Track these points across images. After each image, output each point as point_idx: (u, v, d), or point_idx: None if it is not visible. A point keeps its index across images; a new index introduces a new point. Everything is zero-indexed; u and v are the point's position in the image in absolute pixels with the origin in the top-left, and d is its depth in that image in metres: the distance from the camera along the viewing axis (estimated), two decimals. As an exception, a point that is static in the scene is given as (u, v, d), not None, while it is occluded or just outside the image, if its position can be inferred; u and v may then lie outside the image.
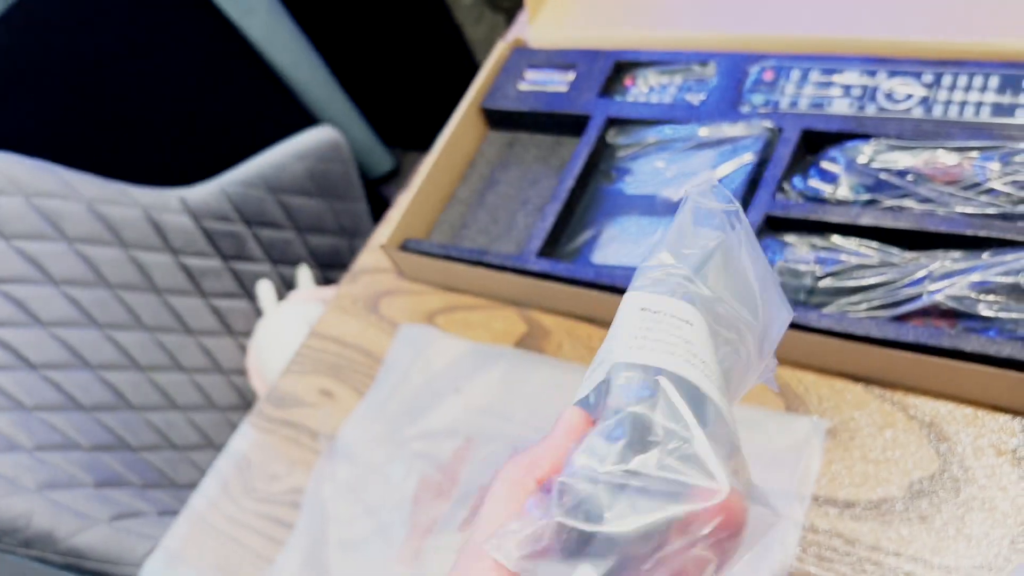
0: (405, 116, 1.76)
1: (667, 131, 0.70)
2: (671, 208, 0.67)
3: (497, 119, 0.81)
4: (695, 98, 0.72)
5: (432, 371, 0.69)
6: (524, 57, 0.82)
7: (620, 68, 0.77)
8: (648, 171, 0.70)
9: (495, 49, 0.83)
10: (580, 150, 0.72)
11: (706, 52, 0.73)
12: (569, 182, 0.70)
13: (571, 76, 0.78)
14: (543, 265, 0.66)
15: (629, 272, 0.63)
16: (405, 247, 0.74)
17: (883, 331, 0.53)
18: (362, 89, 1.71)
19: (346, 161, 1.06)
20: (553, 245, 0.69)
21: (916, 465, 0.53)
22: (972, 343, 0.51)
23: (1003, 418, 0.52)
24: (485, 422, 0.65)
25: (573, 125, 0.76)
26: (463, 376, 0.68)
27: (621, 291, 0.63)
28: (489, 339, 0.70)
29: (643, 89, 0.75)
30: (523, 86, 0.80)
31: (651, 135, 0.71)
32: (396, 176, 1.90)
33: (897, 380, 0.56)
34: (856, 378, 0.57)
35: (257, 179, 1.04)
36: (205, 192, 1.03)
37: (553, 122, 0.77)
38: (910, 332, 0.52)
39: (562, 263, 0.66)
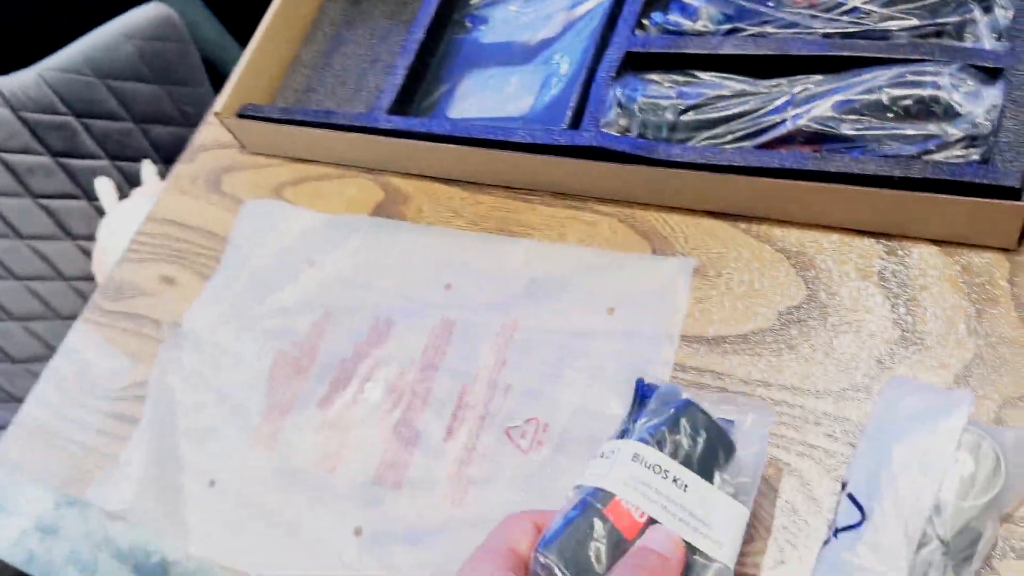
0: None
1: (520, -31, 0.65)
2: (527, 54, 0.62)
3: None
4: (550, -64, 0.67)
5: (282, 246, 0.64)
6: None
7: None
8: (503, 18, 0.65)
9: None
10: (427, 2, 0.66)
11: None
12: (419, 34, 0.65)
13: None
14: (395, 122, 0.61)
15: (488, 124, 0.59)
16: (243, 114, 0.67)
17: (746, 159, 0.51)
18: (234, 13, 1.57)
19: (182, 39, 0.96)
20: (406, 102, 0.64)
21: (784, 296, 0.51)
22: (836, 163, 0.49)
23: (868, 241, 0.51)
24: (344, 293, 0.60)
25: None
26: (316, 249, 0.63)
27: (480, 143, 0.59)
28: (343, 209, 0.65)
29: (494, -70, 0.69)
30: None
31: (505, -26, 0.66)
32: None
33: (763, 212, 0.54)
34: (722, 215, 0.55)
35: (82, 63, 0.93)
36: (22, 80, 0.91)
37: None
38: (774, 158, 0.50)
39: (415, 119, 0.61)
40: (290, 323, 0.60)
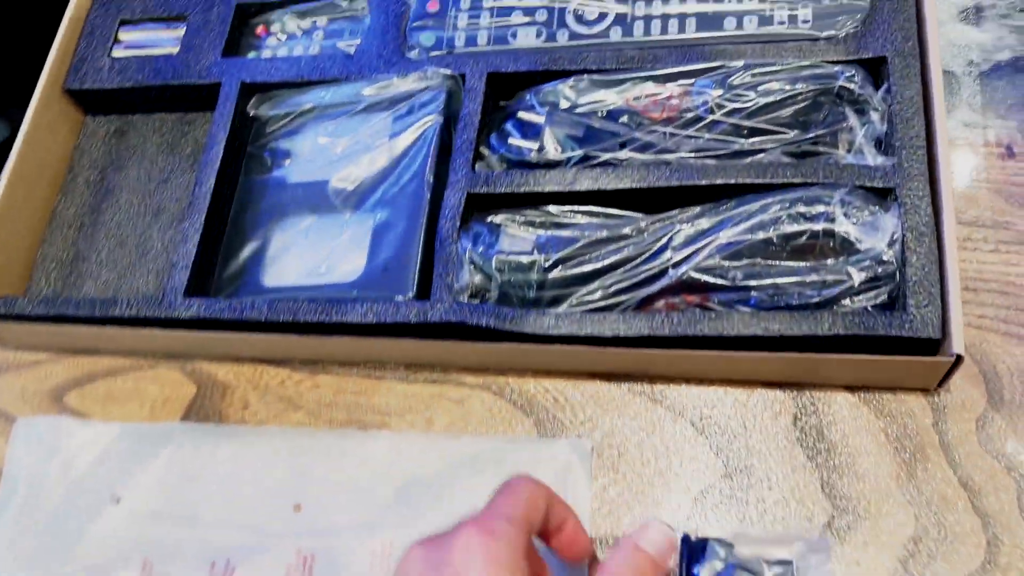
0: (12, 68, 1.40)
1: (324, 95, 0.54)
2: (348, 198, 0.52)
3: (93, 101, 0.60)
4: (349, 45, 0.56)
5: (75, 475, 0.51)
6: (111, 11, 0.60)
7: (245, 13, 0.59)
8: (311, 149, 0.54)
9: (71, 3, 0.61)
10: (215, 133, 0.54)
11: (350, -19, 0.57)
12: (209, 181, 0.53)
13: (181, 31, 0.59)
14: (197, 307, 0.49)
15: (315, 296, 0.48)
16: (-6, 313, 0.53)
17: (633, 327, 0.43)
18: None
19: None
20: (205, 273, 0.52)
21: (696, 472, 0.45)
22: (735, 324, 0.42)
23: (777, 394, 0.45)
24: (165, 533, 0.48)
25: (199, 98, 0.57)
26: (119, 476, 0.50)
27: (310, 328, 0.49)
28: (146, 415, 0.52)
29: (281, 38, 0.58)
30: (119, 52, 0.60)
31: (305, 101, 0.55)
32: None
33: (657, 373, 0.47)
34: (611, 376, 0.48)
35: None
36: None
37: (171, 97, 0.58)
38: (664, 324, 0.43)
39: (222, 300, 0.49)
40: (102, 586, 0.47)
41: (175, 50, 0.58)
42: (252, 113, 0.56)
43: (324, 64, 0.55)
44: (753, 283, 0.43)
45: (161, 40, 0.59)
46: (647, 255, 0.45)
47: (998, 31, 0.51)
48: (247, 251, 0.53)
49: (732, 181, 0.45)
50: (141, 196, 0.58)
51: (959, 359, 0.39)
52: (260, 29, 0.58)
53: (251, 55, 0.57)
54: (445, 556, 0.33)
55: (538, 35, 0.52)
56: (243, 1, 0.58)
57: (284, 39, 0.58)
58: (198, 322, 0.49)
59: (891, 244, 0.42)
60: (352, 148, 0.53)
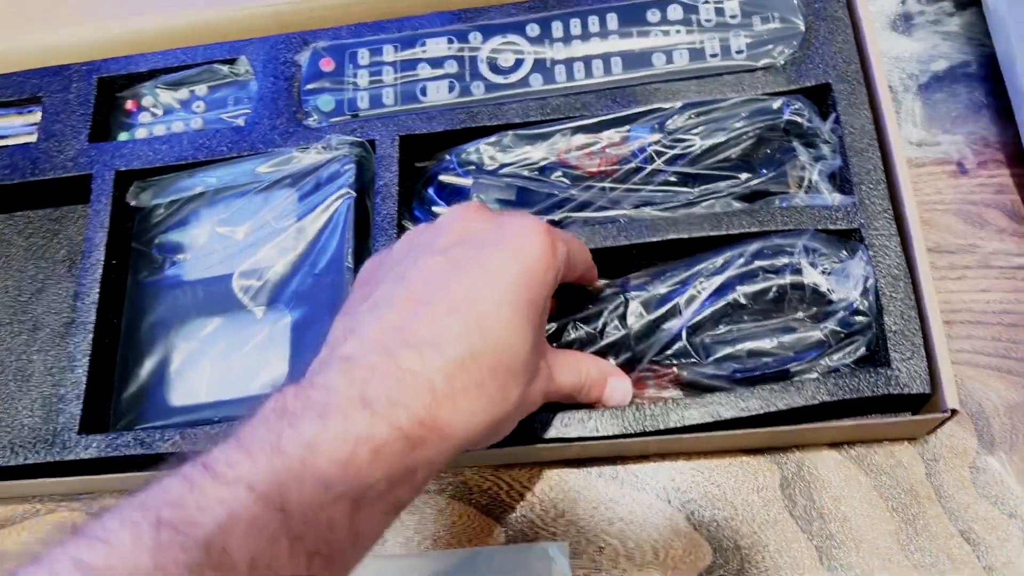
0: None
1: (214, 176, 0.48)
2: (259, 295, 0.46)
3: (-61, 208, 0.52)
4: (236, 115, 0.50)
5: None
6: (-51, 98, 0.52)
7: (110, 88, 0.51)
8: (207, 241, 0.48)
9: (-102, 90, 0.52)
10: (92, 232, 0.47)
11: (226, 43, 0.51)
12: (92, 290, 0.46)
13: (37, 116, 0.51)
14: (96, 448, 0.42)
15: (235, 413, 0.42)
16: None
17: (600, 427, 0.39)
18: None
19: None
20: (101, 404, 0.45)
21: (689, 558, 0.41)
22: (710, 410, 0.38)
23: (761, 461, 0.42)
24: None
25: (68, 191, 0.50)
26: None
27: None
28: (53, 569, 0.45)
29: (156, 113, 0.51)
30: (-37, 146, 0.51)
31: (193, 185, 0.48)
32: None
33: (631, 454, 0.43)
34: (578, 463, 0.43)
35: None
36: None
37: (34, 193, 0.51)
38: (633, 421, 0.39)
39: (125, 434, 0.42)
40: None
41: (32, 138, 0.50)
42: (133, 204, 0.49)
43: (210, 140, 0.48)
44: (725, 352, 0.40)
45: (14, 128, 0.51)
46: (606, 342, 0.41)
47: (930, 39, 0.49)
48: (147, 368, 0.46)
49: (686, 236, 0.41)
50: (12, 311, 0.50)
51: (953, 413, 0.37)
52: (130, 104, 0.51)
53: (123, 136, 0.50)
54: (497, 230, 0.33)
55: (451, 89, 0.47)
56: (105, 75, 0.51)
57: (160, 114, 0.51)
58: (98, 464, 0.43)
59: (864, 293, 0.39)
60: (256, 235, 0.47)
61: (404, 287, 0.31)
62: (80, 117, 0.50)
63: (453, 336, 0.29)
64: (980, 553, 0.39)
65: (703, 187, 0.43)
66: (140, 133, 0.50)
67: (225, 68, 0.50)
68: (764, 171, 0.43)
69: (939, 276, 0.44)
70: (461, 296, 0.30)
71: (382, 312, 0.30)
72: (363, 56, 0.48)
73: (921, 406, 0.39)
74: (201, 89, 0.51)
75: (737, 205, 0.43)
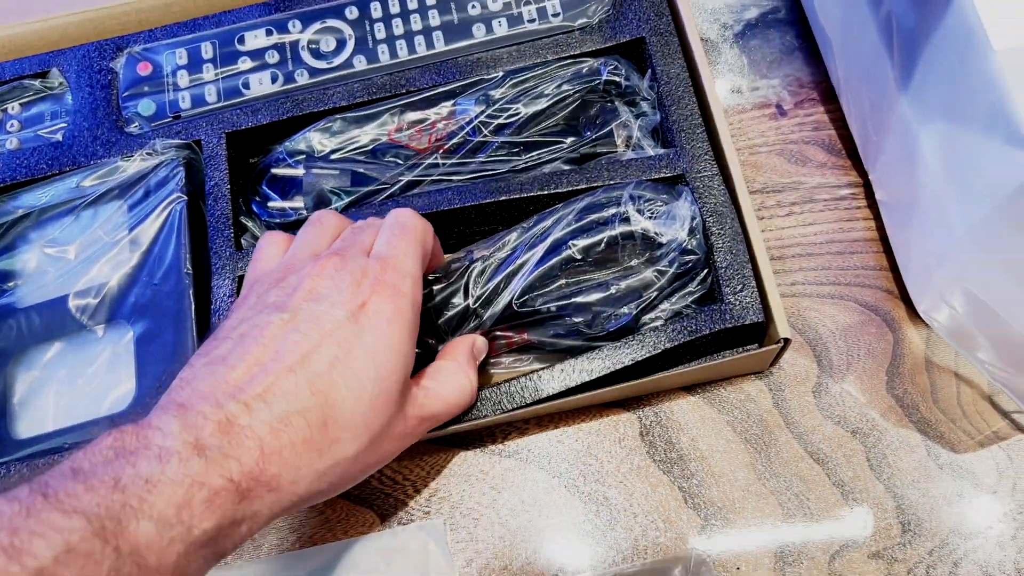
0: None
1: (37, 196, 0.46)
2: (96, 313, 0.44)
3: None
4: (54, 130, 0.48)
5: None
6: None
7: (-86, 115, 0.49)
8: (38, 264, 0.46)
9: None
10: (-90, 268, 0.44)
11: (36, 55, 0.49)
12: (-85, 329, 0.43)
13: None
14: (-67, 491, 0.40)
15: (85, 439, 0.41)
16: None
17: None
18: None
19: None
20: (-63, 442, 0.43)
21: (558, 517, 0.41)
22: (556, 380, 0.39)
23: (622, 416, 0.43)
24: None
25: None
26: None
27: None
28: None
29: (-32, 137, 0.48)
30: None
31: (15, 207, 0.46)
32: None
33: (490, 427, 0.43)
34: (444, 441, 0.43)
35: None
36: None
37: None
38: (487, 404, 0.39)
39: (-35, 473, 0.40)
40: None
41: None
42: (-46, 233, 0.46)
43: (28, 159, 0.46)
44: (567, 307, 0.40)
45: None
46: (449, 296, 0.41)
47: (740, -12, 0.50)
48: (-14, 401, 0.44)
49: (518, 196, 0.42)
50: None
51: (787, 343, 0.38)
52: (-61, 130, 0.48)
53: (-66, 164, 0.48)
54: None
55: (274, 79, 0.46)
56: (-92, 101, 0.48)
57: (-27, 138, 0.48)
58: None
59: (691, 232, 0.40)
60: (88, 252, 0.45)
61: (243, 347, 0.31)
62: None
63: (282, 393, 0.30)
64: (829, 471, 0.41)
65: (531, 154, 0.43)
66: (-47, 159, 0.48)
67: (37, 82, 0.48)
68: (588, 133, 0.43)
69: (769, 215, 0.45)
70: (297, 357, 0.31)
71: (218, 368, 0.31)
72: (181, 56, 0.47)
73: (760, 338, 0.40)
74: (14, 107, 0.48)
75: (565, 168, 0.43)
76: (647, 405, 0.43)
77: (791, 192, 0.46)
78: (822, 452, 0.41)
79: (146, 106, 0.46)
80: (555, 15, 0.45)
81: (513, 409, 0.39)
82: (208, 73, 0.46)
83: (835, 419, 0.42)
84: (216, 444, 0.28)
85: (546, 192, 0.42)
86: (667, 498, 0.41)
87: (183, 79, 0.46)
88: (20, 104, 0.48)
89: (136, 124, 0.46)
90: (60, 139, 0.47)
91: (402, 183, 0.44)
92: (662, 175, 0.42)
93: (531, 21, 0.45)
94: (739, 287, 0.39)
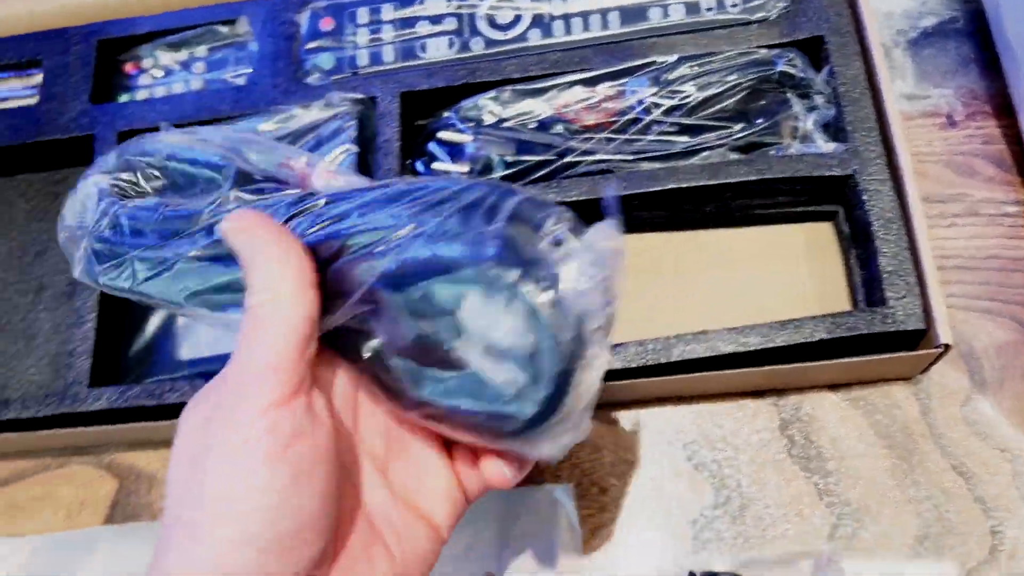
0: None
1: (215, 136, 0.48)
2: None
3: (-59, 171, 0.52)
4: (237, 75, 0.50)
5: (-12, 607, 0.44)
6: (-51, 62, 0.52)
7: (110, 50, 0.52)
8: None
9: None
10: (95, 192, 0.47)
11: (228, 3, 0.51)
12: (97, 249, 0.46)
13: (38, 78, 0.51)
14: (107, 399, 0.43)
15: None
16: None
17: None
18: None
19: None
20: (111, 358, 0.45)
21: (691, 498, 0.42)
22: (712, 345, 0.39)
23: (760, 404, 0.43)
24: (106, 659, 0.42)
25: (68, 154, 0.50)
26: (42, 601, 0.44)
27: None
28: (64, 522, 0.46)
29: (156, 75, 0.52)
30: (-36, 110, 0.52)
31: (194, 144, 0.49)
32: None
33: (631, 398, 0.44)
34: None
35: None
36: None
37: (35, 154, 0.51)
38: (635, 356, 0.40)
39: (135, 386, 0.43)
40: None
41: (34, 99, 0.51)
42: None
43: (211, 100, 0.49)
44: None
45: (14, 91, 0.51)
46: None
47: (919, -5, 0.50)
48: (154, 323, 0.47)
49: (685, 185, 0.42)
50: (17, 273, 0.50)
51: (946, 348, 0.38)
52: (130, 66, 0.52)
53: (124, 98, 0.51)
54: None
55: (450, 45, 0.47)
56: (105, 37, 0.51)
57: (160, 76, 0.51)
58: (110, 413, 0.43)
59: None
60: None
61: None
62: (81, 79, 0.50)
63: None
64: (972, 486, 0.40)
65: (699, 136, 0.44)
66: (141, 95, 0.51)
67: (225, 29, 0.51)
68: (759, 121, 0.44)
69: (931, 224, 0.45)
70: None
71: None
72: (362, 15, 0.49)
73: (915, 346, 0.40)
74: (201, 50, 0.51)
75: (732, 156, 0.44)
76: (789, 399, 0.43)
77: (955, 203, 0.45)
78: (966, 467, 0.41)
79: (326, 60, 0.48)
80: (733, 6, 0.46)
81: (656, 367, 0.39)
82: (387, 33, 0.48)
83: (982, 435, 0.41)
84: None
85: (714, 183, 0.42)
86: (801, 493, 0.41)
87: (363, 37, 0.48)
88: (207, 48, 0.51)
89: (315, 76, 0.48)
90: (242, 84, 0.49)
91: (567, 158, 0.45)
92: (832, 173, 0.42)
93: (708, 10, 0.46)
94: (902, 293, 0.39)
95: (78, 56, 0.51)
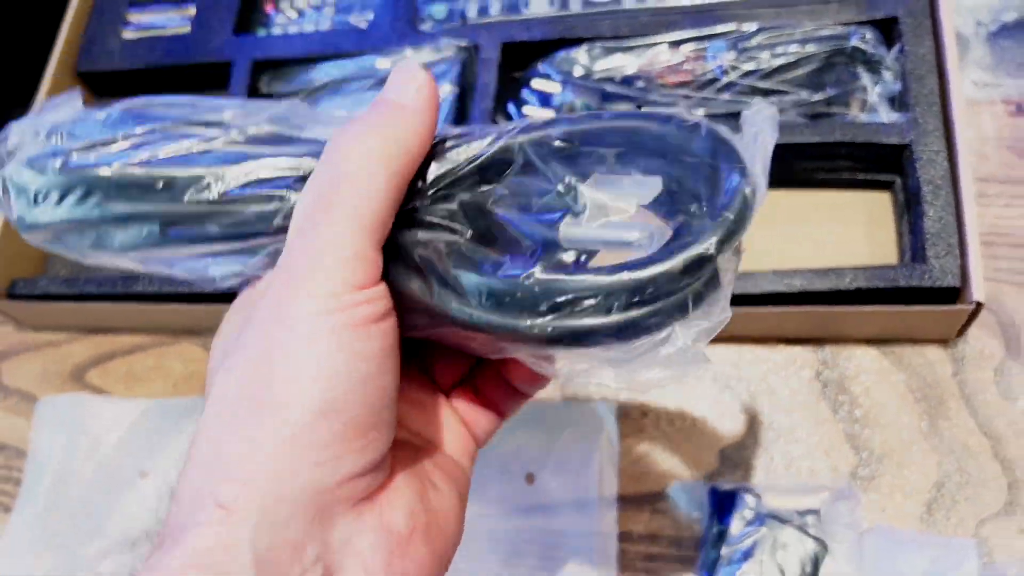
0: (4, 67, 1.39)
1: (334, 69, 0.55)
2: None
3: (103, 84, 0.60)
4: (360, 19, 0.56)
5: (102, 454, 0.51)
6: (119, -8, 0.60)
7: (254, -10, 0.59)
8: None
9: (76, -14, 0.61)
10: (228, 111, 0.54)
11: (360, -44, 0.57)
12: (225, 157, 0.53)
13: (191, 10, 0.59)
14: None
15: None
16: (14, 293, 0.53)
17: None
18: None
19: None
20: (225, 248, 0.52)
21: (723, 429, 0.45)
22: (756, 283, 0.43)
23: (798, 351, 0.46)
24: (194, 506, 0.48)
25: (210, 77, 0.57)
26: (146, 451, 0.50)
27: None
28: (169, 390, 0.52)
29: (291, 15, 0.58)
30: (129, 33, 0.60)
31: (317, 76, 0.55)
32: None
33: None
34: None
35: None
36: None
37: (182, 77, 0.58)
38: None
39: (243, 273, 0.49)
40: (133, 560, 0.48)
41: (186, 29, 0.58)
42: (264, 90, 0.56)
43: (336, 39, 0.55)
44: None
45: (171, 20, 0.59)
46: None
47: (1004, -9, 0.52)
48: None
49: (750, 141, 0.46)
50: (155, 176, 0.58)
51: (979, 307, 0.40)
52: (269, 6, 0.58)
53: (261, 32, 0.58)
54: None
55: (551, 3, 0.52)
56: (252, -22, 0.58)
57: (295, 15, 0.58)
58: (224, 295, 0.49)
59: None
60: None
61: None
62: (227, 13, 0.57)
63: None
64: (996, 446, 0.42)
65: (771, 98, 0.47)
66: (276, 31, 0.58)
67: (354, -23, 0.57)
68: (829, 91, 0.47)
69: (989, 202, 0.47)
70: None
71: None
72: (476, -28, 0.54)
73: (952, 304, 0.42)
74: (332, -5, 0.58)
75: (799, 120, 0.47)
76: (827, 349, 0.46)
77: (1014, 185, 0.47)
78: (992, 428, 0.43)
79: (439, 10, 0.54)
80: (816, -16, 0.49)
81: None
82: (496, -10, 0.53)
83: (1012, 399, 0.43)
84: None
85: (780, 142, 0.45)
86: (830, 434, 0.44)
87: (474, -8, 0.54)
88: (337, -7, 0.58)
89: (428, 23, 0.54)
90: (364, 27, 0.55)
91: (648, 107, 0.49)
92: (891, 141, 0.44)
93: (793, -14, 0.49)
94: (943, 252, 0.42)
95: (227, -6, 0.58)
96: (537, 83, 0.51)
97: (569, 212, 0.24)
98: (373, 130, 0.24)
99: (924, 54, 0.46)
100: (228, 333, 0.26)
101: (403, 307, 0.24)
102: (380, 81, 0.54)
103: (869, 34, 0.47)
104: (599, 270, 0.23)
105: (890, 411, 0.44)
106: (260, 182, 0.26)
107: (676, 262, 0.22)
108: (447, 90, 0.52)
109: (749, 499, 0.41)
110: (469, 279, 0.24)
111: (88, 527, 0.49)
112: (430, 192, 0.25)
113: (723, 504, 0.41)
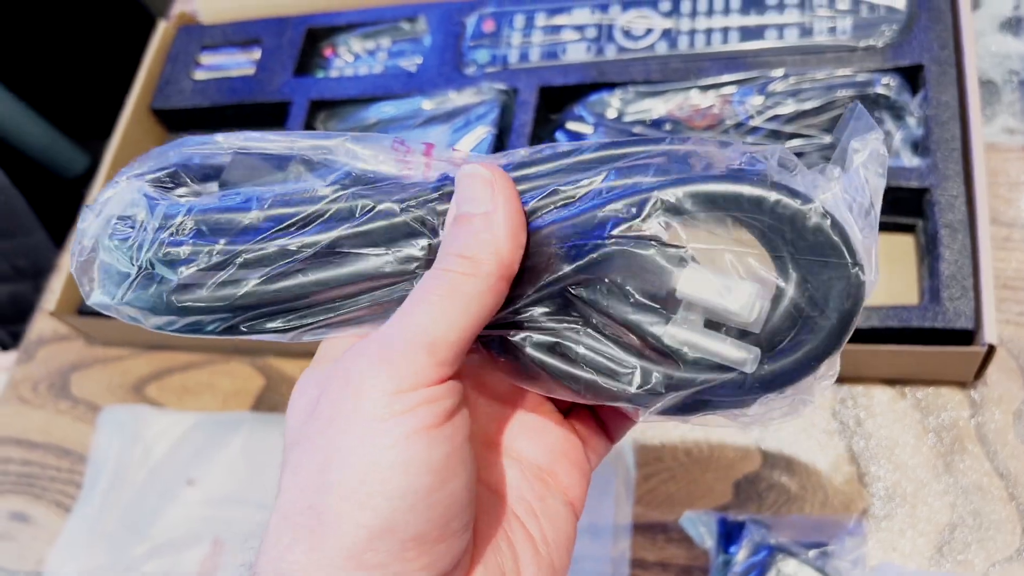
0: (88, 102, 1.48)
1: (386, 109, 0.58)
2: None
3: (175, 120, 0.65)
4: (410, 63, 0.60)
5: (154, 461, 0.55)
6: (194, 37, 0.65)
7: (315, 36, 0.63)
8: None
9: (157, 30, 0.66)
10: (286, 146, 0.58)
11: (412, 5, 0.61)
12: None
13: (257, 54, 0.63)
14: (266, 304, 0.53)
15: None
16: (84, 310, 0.57)
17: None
18: (30, 82, 1.41)
19: (2, 189, 0.85)
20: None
21: (736, 462, 0.46)
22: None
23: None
24: (233, 516, 0.52)
25: (271, 115, 0.62)
26: (194, 461, 0.54)
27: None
28: (219, 405, 0.56)
29: (347, 59, 0.62)
30: (199, 74, 0.64)
31: (369, 116, 0.59)
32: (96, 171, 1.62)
33: (699, 367, 0.49)
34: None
35: None
36: None
37: (245, 115, 0.63)
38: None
39: (289, 297, 0.53)
40: (175, 562, 0.51)
41: (251, 71, 0.63)
42: (320, 128, 0.60)
43: (387, 81, 0.59)
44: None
45: (238, 62, 0.64)
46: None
47: (1037, 40, 0.52)
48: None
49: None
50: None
51: (992, 349, 0.41)
52: (327, 51, 0.63)
53: (319, 75, 0.62)
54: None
55: (587, 50, 0.55)
56: (314, 26, 0.63)
57: (351, 59, 0.62)
58: (268, 317, 0.53)
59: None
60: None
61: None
62: (288, 57, 0.62)
63: None
64: (1010, 488, 0.42)
65: (792, 142, 0.49)
66: (333, 74, 0.62)
67: (407, 26, 0.61)
68: (851, 135, 0.48)
69: (1012, 247, 0.47)
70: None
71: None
72: (519, 20, 0.57)
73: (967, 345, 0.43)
74: (385, 41, 0.61)
75: (821, 165, 0.48)
76: (845, 386, 0.46)
77: (1039, 232, 0.47)
78: (1008, 470, 0.43)
79: (483, 55, 0.57)
80: (843, 33, 0.50)
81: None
82: (536, 37, 0.56)
83: (1030, 445, 0.43)
84: None
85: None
86: (844, 470, 0.44)
87: (516, 39, 0.57)
88: (391, 40, 0.61)
89: (472, 68, 0.57)
90: (413, 71, 0.59)
91: (672, 150, 0.51)
92: (911, 185, 0.45)
93: (820, 34, 0.51)
94: (958, 295, 0.42)
95: (290, 39, 0.63)
96: (571, 124, 0.54)
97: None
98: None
99: (947, 101, 0.47)
100: (308, 390, 0.24)
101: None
102: (425, 121, 0.57)
103: (893, 81, 0.48)
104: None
105: (906, 451, 0.44)
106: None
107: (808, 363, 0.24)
108: (484, 131, 0.55)
109: (756, 530, 0.42)
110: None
111: (137, 529, 0.53)
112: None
113: (731, 534, 0.42)
